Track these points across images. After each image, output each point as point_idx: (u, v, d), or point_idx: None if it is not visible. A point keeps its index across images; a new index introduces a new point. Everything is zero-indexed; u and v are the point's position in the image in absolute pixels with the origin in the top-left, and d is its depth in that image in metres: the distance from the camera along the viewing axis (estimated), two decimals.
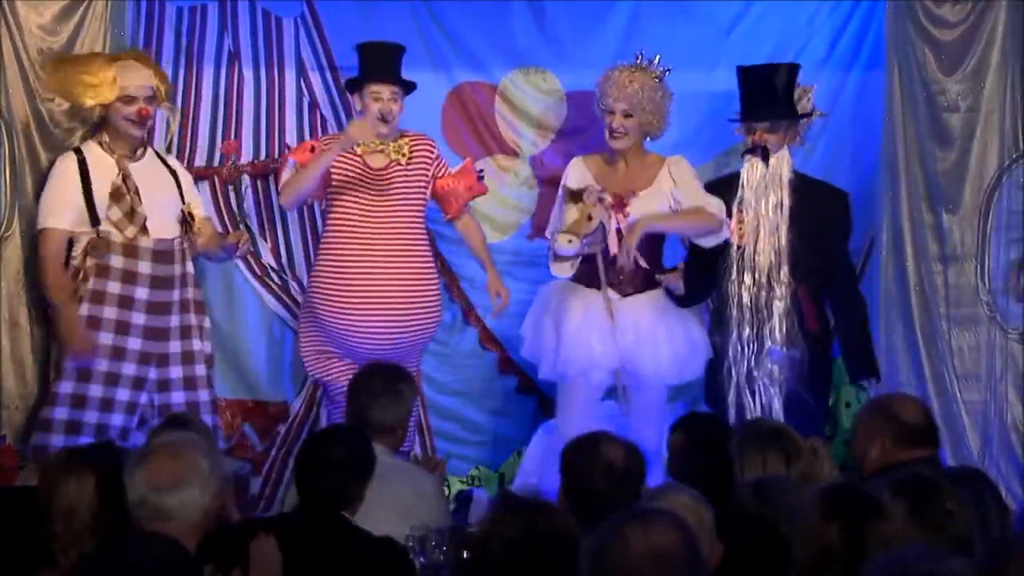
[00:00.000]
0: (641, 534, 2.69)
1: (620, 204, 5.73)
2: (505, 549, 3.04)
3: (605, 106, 5.78)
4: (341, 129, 6.30)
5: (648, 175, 5.82)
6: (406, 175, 5.79)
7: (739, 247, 5.75)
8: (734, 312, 5.74)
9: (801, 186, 5.81)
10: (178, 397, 5.68)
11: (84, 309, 5.56)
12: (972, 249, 6.15)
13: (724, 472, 4.20)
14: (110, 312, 5.58)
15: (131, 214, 5.60)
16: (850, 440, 4.50)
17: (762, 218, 5.75)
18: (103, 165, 5.62)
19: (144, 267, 5.61)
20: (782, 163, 5.80)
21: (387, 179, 5.76)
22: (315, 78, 6.40)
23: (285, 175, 5.75)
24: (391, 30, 6.32)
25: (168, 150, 6.06)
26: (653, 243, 5.84)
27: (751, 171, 5.79)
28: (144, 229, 5.61)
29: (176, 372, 5.69)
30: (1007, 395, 6.14)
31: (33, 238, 5.78)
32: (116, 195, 5.59)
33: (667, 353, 5.76)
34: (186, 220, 5.70)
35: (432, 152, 5.88)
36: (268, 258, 6.33)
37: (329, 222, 5.82)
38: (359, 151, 5.75)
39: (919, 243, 6.15)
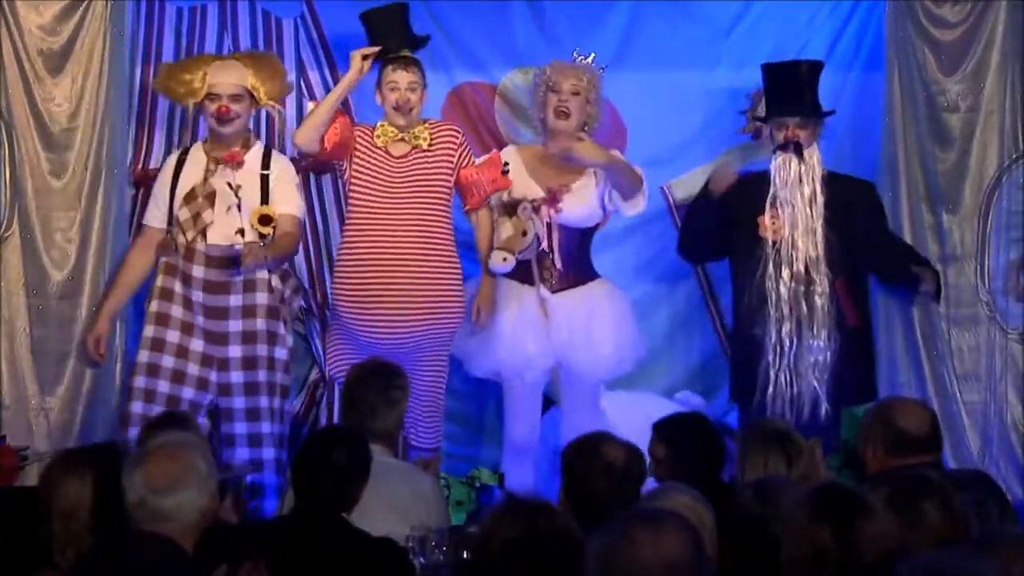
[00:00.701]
0: (651, 539, 2.68)
1: (552, 199, 5.73)
2: (505, 549, 3.04)
3: (552, 85, 5.77)
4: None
5: (579, 166, 5.81)
6: (427, 162, 5.70)
7: (775, 243, 5.76)
8: (772, 309, 5.75)
9: (830, 181, 5.84)
10: (239, 403, 5.67)
11: (153, 306, 5.63)
12: (972, 249, 6.14)
13: (715, 472, 4.21)
14: (176, 311, 5.63)
15: (196, 217, 5.61)
16: (856, 442, 4.50)
17: (799, 213, 5.77)
18: (196, 166, 5.65)
19: (198, 271, 5.62)
20: (814, 157, 5.83)
21: (408, 167, 5.69)
22: (315, 78, 6.40)
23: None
24: None
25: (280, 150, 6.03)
26: (581, 239, 5.85)
27: (784, 167, 5.80)
28: (203, 234, 5.60)
29: (238, 377, 5.67)
30: (1007, 395, 6.14)
31: (30, 239, 5.81)
32: (188, 197, 5.62)
33: (602, 349, 5.80)
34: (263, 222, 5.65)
35: (456, 139, 5.77)
36: None
37: (350, 212, 5.74)
38: (379, 142, 5.70)
39: (919, 243, 6.14)
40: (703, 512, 3.33)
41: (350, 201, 5.73)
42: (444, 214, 5.72)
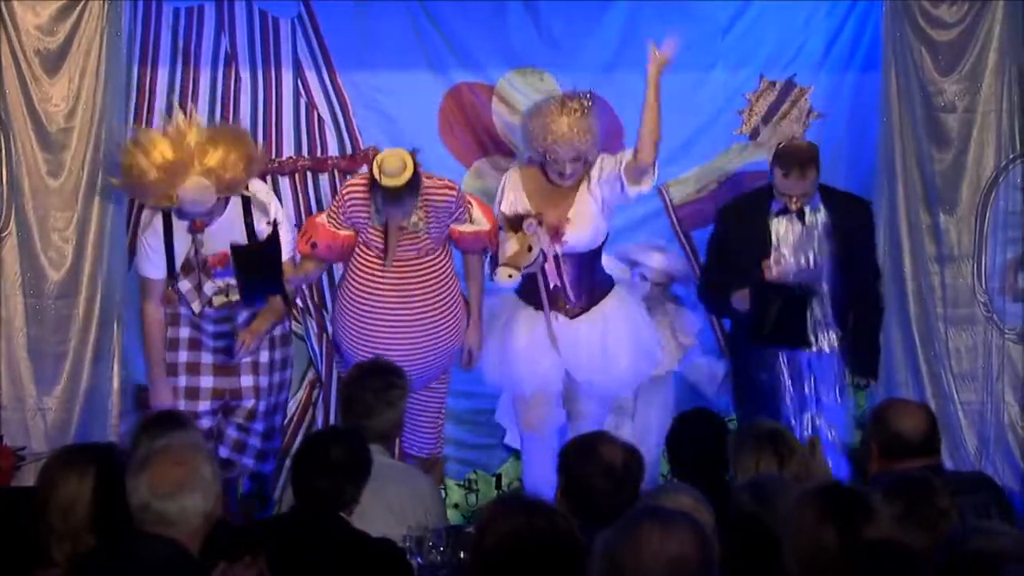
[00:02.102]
0: (658, 538, 2.69)
1: (556, 235, 5.68)
2: (501, 548, 3.04)
3: (552, 157, 5.62)
4: (337, 128, 6.34)
5: (576, 187, 5.73)
6: (426, 233, 5.63)
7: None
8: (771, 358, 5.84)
9: (827, 199, 5.83)
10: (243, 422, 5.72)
11: (170, 357, 5.68)
12: (969, 249, 6.14)
13: (719, 470, 4.21)
14: (183, 356, 5.67)
15: (198, 289, 5.63)
16: (860, 443, 4.50)
17: (799, 269, 5.81)
18: (181, 227, 5.59)
19: (208, 326, 5.68)
20: (816, 217, 5.83)
21: (409, 238, 5.62)
22: (312, 79, 6.40)
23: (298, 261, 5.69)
24: (388, 31, 6.35)
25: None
26: (591, 259, 5.80)
27: (785, 230, 5.82)
28: (210, 303, 5.63)
29: (249, 403, 5.71)
30: (1004, 395, 6.14)
31: (27, 239, 5.80)
32: (186, 269, 5.63)
33: (619, 366, 5.78)
34: None
35: (451, 205, 5.60)
36: None
37: (351, 268, 5.68)
38: (377, 225, 5.59)
39: (916, 243, 6.15)
40: (703, 513, 3.33)
41: (353, 256, 5.68)
42: (444, 266, 5.69)
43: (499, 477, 6.45)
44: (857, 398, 6.21)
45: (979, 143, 6.13)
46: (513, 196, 5.76)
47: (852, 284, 5.91)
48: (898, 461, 4.16)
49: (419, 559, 3.94)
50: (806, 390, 5.87)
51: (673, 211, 6.54)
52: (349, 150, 6.39)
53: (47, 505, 3.56)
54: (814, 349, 5.82)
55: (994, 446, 6.12)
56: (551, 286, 5.68)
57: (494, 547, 3.05)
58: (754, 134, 6.52)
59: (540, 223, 5.59)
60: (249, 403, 5.70)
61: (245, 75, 6.34)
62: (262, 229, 5.60)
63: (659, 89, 5.53)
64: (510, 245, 5.59)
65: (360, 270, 5.63)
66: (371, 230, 5.58)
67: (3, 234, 5.83)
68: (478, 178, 6.43)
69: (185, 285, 5.64)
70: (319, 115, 6.41)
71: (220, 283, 5.62)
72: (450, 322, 5.69)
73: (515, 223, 5.60)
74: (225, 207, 5.59)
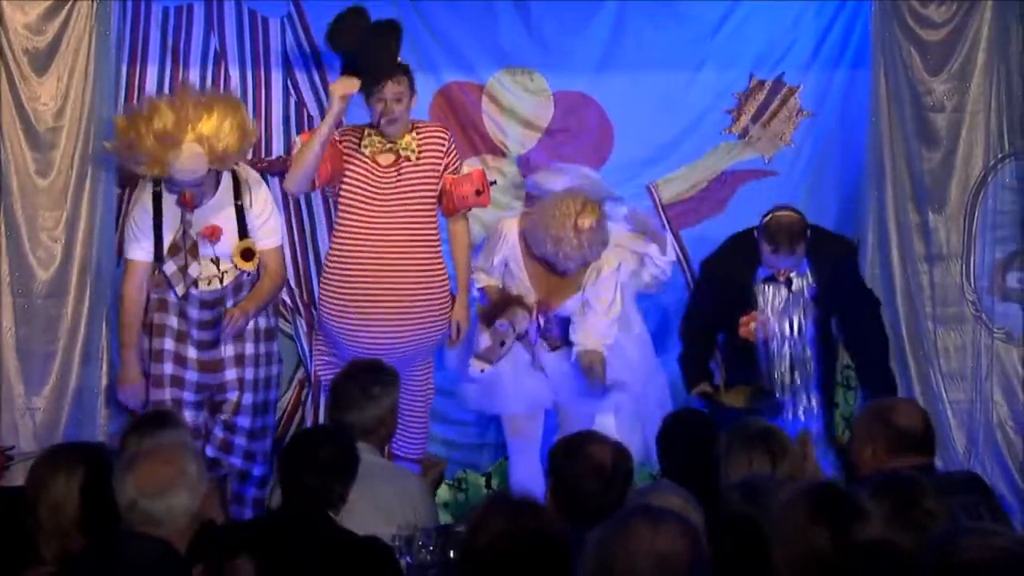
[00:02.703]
0: (649, 536, 2.69)
1: (543, 312, 5.74)
2: (491, 547, 3.04)
3: (560, 259, 5.61)
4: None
5: (578, 274, 5.73)
6: (414, 173, 5.67)
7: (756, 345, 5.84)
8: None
9: (813, 236, 5.79)
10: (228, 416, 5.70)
11: (156, 343, 5.63)
12: (958, 249, 6.16)
13: (711, 470, 4.21)
14: (169, 344, 5.63)
15: (183, 271, 5.61)
16: (847, 443, 4.51)
17: (786, 339, 5.83)
18: (172, 208, 5.60)
19: (193, 312, 5.64)
20: (804, 282, 5.85)
21: (395, 178, 5.66)
22: (302, 77, 6.39)
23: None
24: None
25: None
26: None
27: (772, 295, 5.84)
28: (195, 284, 5.62)
29: (233, 395, 5.69)
30: (993, 394, 6.16)
31: (16, 238, 5.79)
32: (172, 250, 5.61)
33: (596, 398, 5.80)
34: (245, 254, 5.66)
35: (443, 145, 5.69)
36: None
37: (338, 221, 5.71)
38: (368, 151, 5.67)
39: (905, 243, 6.16)
40: (692, 513, 3.33)
41: (339, 209, 5.72)
42: (431, 223, 5.70)
43: (488, 476, 6.45)
44: (845, 397, 6.23)
45: (968, 142, 6.14)
46: (507, 251, 5.75)
47: (851, 324, 5.90)
48: (901, 457, 4.17)
49: (408, 558, 3.94)
50: None
51: (663, 210, 6.55)
52: None
53: (36, 504, 3.56)
54: (790, 416, 5.83)
55: (983, 445, 6.13)
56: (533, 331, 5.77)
57: (485, 547, 3.06)
58: (743, 133, 6.53)
59: (513, 326, 5.62)
60: (233, 395, 5.66)
61: (234, 74, 6.33)
62: (253, 215, 5.62)
63: None
64: (483, 339, 5.66)
65: (349, 223, 5.63)
66: (358, 161, 5.61)
67: None
68: None
69: (170, 267, 5.61)
70: (308, 114, 6.40)
71: (207, 260, 5.59)
72: (434, 297, 5.68)
73: (489, 319, 5.62)
74: (217, 187, 5.59)
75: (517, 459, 5.92)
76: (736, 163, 6.56)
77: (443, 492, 6.41)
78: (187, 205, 5.55)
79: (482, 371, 5.63)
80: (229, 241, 5.62)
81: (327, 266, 5.76)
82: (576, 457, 3.82)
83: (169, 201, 5.60)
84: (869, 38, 6.23)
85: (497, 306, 5.68)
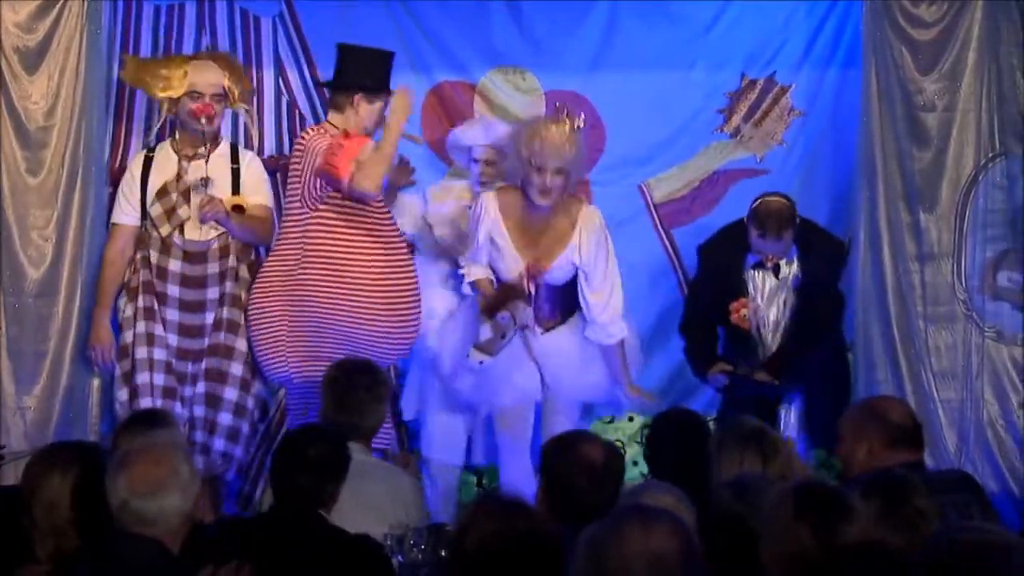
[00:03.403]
0: (641, 535, 2.69)
1: (536, 271, 5.71)
2: (482, 547, 3.04)
3: (536, 163, 5.54)
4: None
5: (561, 229, 5.69)
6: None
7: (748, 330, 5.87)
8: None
9: (804, 231, 5.85)
10: (200, 387, 5.68)
11: (141, 300, 5.65)
12: (949, 248, 6.16)
13: (702, 470, 4.21)
14: (148, 301, 5.66)
15: (170, 212, 5.67)
16: (837, 442, 4.51)
17: (771, 320, 5.88)
18: (167, 164, 5.71)
19: (175, 265, 5.67)
20: (791, 270, 5.88)
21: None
22: (293, 77, 6.39)
23: (351, 167, 5.37)
24: (370, 30, 6.32)
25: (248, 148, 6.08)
26: (566, 285, 5.81)
27: (761, 281, 5.87)
28: (180, 229, 5.66)
29: (208, 363, 5.68)
30: (983, 393, 6.16)
31: (7, 237, 5.79)
32: (161, 192, 5.69)
33: (592, 376, 5.82)
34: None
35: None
36: None
37: (318, 223, 5.58)
38: None
39: (896, 242, 6.16)
40: (684, 512, 3.33)
41: (320, 210, 5.62)
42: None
43: (480, 475, 6.45)
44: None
45: (959, 142, 6.14)
46: (489, 222, 5.68)
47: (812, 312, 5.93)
48: (898, 451, 4.18)
49: (400, 557, 3.94)
50: None
51: (655, 209, 6.55)
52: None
53: (31, 503, 3.56)
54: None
55: (974, 444, 6.14)
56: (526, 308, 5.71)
57: (475, 547, 3.06)
58: (735, 132, 6.54)
59: (514, 318, 5.60)
60: (214, 361, 5.65)
61: None
62: (247, 175, 5.76)
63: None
64: (484, 330, 5.63)
65: (329, 225, 5.55)
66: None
67: None
68: (459, 176, 6.42)
69: (156, 209, 5.66)
70: (300, 114, 6.40)
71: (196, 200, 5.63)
72: (406, 297, 5.66)
73: (492, 310, 5.62)
74: (218, 130, 5.78)
75: (508, 457, 5.90)
76: (728, 162, 6.57)
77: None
78: (209, 113, 5.67)
79: (481, 363, 5.60)
80: (221, 194, 5.67)
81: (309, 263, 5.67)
82: (568, 456, 3.82)
83: (166, 158, 5.70)
84: (860, 37, 6.24)
85: (499, 298, 5.67)
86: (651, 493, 3.46)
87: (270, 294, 5.60)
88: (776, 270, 5.87)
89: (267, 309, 5.60)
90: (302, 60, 6.38)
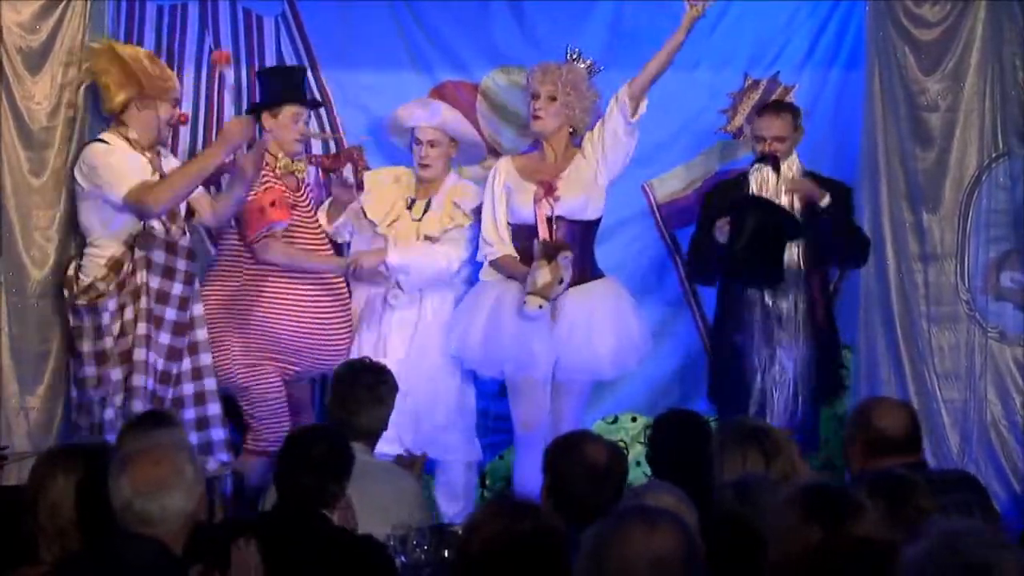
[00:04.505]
0: (643, 535, 2.69)
1: (548, 188, 5.78)
2: (487, 547, 3.04)
3: (531, 90, 5.88)
4: (321, 127, 6.35)
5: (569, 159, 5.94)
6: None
7: None
8: (747, 313, 5.86)
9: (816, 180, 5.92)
10: (188, 389, 5.71)
11: (140, 302, 5.62)
12: (952, 248, 6.16)
13: (704, 471, 4.21)
14: (148, 302, 5.63)
15: (175, 210, 5.69)
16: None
17: None
18: (137, 159, 5.65)
19: (181, 264, 5.69)
20: (793, 168, 5.91)
21: (305, 198, 5.96)
22: None
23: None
24: (372, 30, 6.35)
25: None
26: (584, 234, 5.89)
27: (762, 180, 5.85)
28: (183, 228, 5.72)
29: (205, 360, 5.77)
30: (986, 393, 6.16)
31: (9, 237, 5.78)
32: None
33: (601, 348, 5.83)
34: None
35: None
36: None
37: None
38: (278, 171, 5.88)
39: (899, 242, 6.17)
40: (686, 513, 3.33)
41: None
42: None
43: (484, 476, 6.45)
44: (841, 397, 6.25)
45: (962, 142, 6.15)
46: (504, 175, 5.91)
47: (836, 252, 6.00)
48: (880, 458, 4.16)
49: (403, 557, 3.93)
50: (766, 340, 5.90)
51: (657, 209, 6.55)
52: (333, 148, 6.38)
53: (35, 504, 3.56)
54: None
55: (977, 444, 6.14)
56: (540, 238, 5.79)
57: (480, 549, 3.05)
58: (738, 133, 6.53)
59: (536, 201, 5.71)
60: (206, 357, 5.72)
61: (228, 73, 6.33)
62: None
63: (686, 35, 5.79)
64: (541, 274, 5.63)
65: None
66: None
67: None
68: (462, 175, 6.42)
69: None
70: None
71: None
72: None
73: (550, 254, 5.63)
74: None
75: (523, 452, 5.91)
76: (731, 162, 6.56)
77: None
78: (184, 122, 5.87)
79: (540, 307, 5.61)
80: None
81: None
82: (571, 456, 3.82)
83: (131, 153, 5.66)
84: (863, 37, 6.24)
85: (557, 244, 5.71)
86: (652, 493, 3.46)
87: (217, 305, 5.83)
88: (776, 165, 5.85)
89: (216, 318, 5.81)
90: (304, 60, 6.37)
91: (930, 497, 3.51)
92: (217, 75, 6.31)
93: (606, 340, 5.84)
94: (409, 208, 6.00)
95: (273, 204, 5.71)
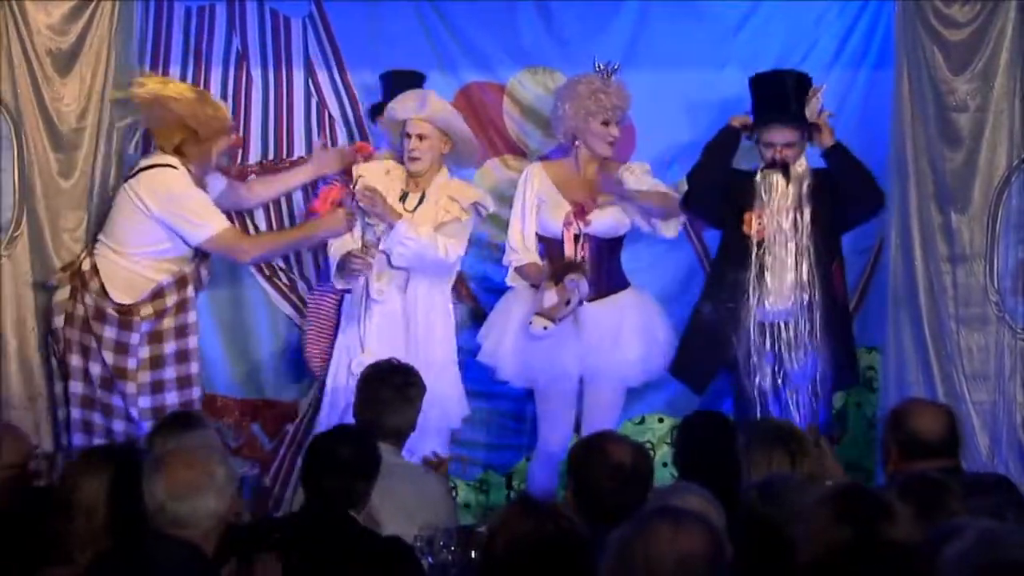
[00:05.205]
0: (669, 534, 2.69)
1: (581, 212, 5.83)
2: (512, 549, 3.04)
3: (604, 117, 5.92)
4: (348, 128, 6.36)
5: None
6: None
7: (760, 243, 5.85)
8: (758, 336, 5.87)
9: (825, 175, 5.93)
10: (172, 398, 5.74)
11: (179, 317, 5.73)
12: (981, 249, 6.12)
13: (731, 471, 4.20)
14: (195, 343, 5.79)
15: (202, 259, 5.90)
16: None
17: (786, 232, 5.86)
18: (207, 197, 5.81)
19: (193, 293, 5.82)
20: (801, 168, 5.90)
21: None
22: (323, 78, 6.41)
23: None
24: (399, 30, 6.35)
25: None
26: (610, 248, 5.94)
27: (772, 185, 5.85)
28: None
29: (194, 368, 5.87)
30: (1016, 395, 6.12)
31: (39, 238, 5.80)
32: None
33: (629, 355, 5.88)
34: None
35: None
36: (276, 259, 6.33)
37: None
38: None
39: (928, 243, 6.13)
40: (713, 514, 3.32)
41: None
42: None
43: (510, 477, 6.45)
44: (868, 399, 6.22)
45: (991, 142, 6.11)
46: (538, 184, 5.96)
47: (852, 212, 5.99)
48: (916, 461, 4.15)
49: (430, 558, 3.94)
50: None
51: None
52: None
53: (68, 508, 3.58)
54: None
55: (1006, 446, 6.10)
56: (574, 260, 5.83)
57: (504, 550, 3.06)
58: None
59: (578, 285, 5.68)
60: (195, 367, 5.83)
61: (256, 74, 6.35)
62: None
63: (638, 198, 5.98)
64: (548, 296, 5.65)
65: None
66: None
67: (15, 234, 5.83)
68: (488, 178, 6.43)
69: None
70: (330, 114, 6.42)
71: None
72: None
73: (558, 276, 5.64)
74: None
75: (541, 461, 5.96)
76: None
77: (465, 493, 6.42)
78: (239, 145, 6.04)
79: (545, 328, 5.61)
80: None
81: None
82: (595, 457, 3.82)
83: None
84: (892, 38, 6.21)
85: (563, 267, 5.73)
86: (679, 494, 3.45)
87: None
88: (785, 170, 5.84)
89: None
90: (331, 61, 6.40)
91: (961, 500, 3.49)
92: (244, 75, 6.33)
93: (633, 346, 5.88)
94: (402, 200, 5.96)
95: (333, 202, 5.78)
